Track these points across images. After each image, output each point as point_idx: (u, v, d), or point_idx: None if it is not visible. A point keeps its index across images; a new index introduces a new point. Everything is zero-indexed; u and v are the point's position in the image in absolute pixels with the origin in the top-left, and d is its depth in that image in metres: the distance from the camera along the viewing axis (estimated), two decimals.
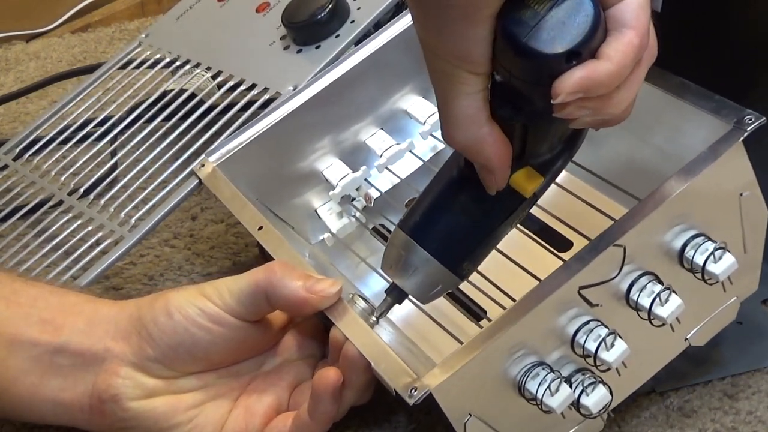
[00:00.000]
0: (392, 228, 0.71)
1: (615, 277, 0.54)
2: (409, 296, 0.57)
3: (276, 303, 0.58)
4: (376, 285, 0.70)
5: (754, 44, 0.63)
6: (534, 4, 0.45)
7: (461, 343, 0.61)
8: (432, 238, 0.54)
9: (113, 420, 0.59)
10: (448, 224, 0.54)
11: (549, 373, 0.53)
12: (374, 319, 0.58)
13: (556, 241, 0.67)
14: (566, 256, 0.64)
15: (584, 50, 0.45)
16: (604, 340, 0.53)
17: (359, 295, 0.60)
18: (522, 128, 0.50)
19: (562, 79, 0.45)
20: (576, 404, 0.54)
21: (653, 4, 0.48)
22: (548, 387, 0.53)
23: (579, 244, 0.66)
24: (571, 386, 0.54)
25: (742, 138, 0.54)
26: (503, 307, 0.61)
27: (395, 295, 0.57)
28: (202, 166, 0.70)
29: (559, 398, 0.53)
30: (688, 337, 0.58)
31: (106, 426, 0.60)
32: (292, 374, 0.61)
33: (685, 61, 0.59)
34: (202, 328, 0.58)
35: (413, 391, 0.51)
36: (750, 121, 0.55)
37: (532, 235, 0.67)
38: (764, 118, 0.55)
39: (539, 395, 0.53)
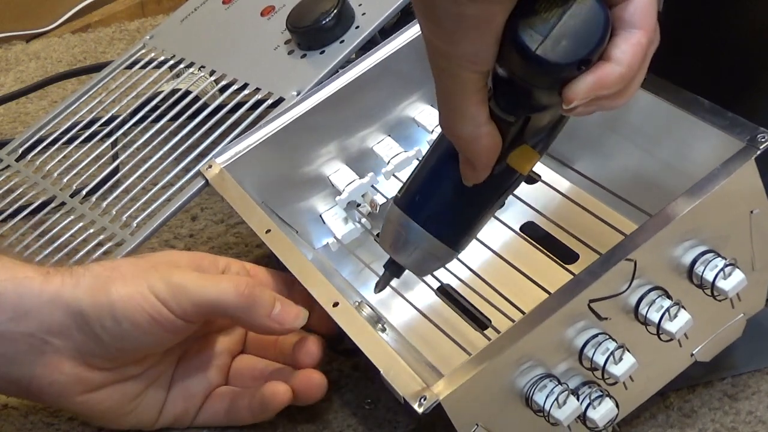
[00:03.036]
0: None
1: (625, 291, 0.54)
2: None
3: (238, 324, 0.60)
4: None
5: (755, 47, 0.63)
6: (544, 12, 0.45)
7: (465, 350, 0.61)
8: (430, 216, 0.55)
9: (59, 408, 0.60)
10: (446, 202, 0.55)
11: (556, 385, 0.53)
12: (376, 291, 0.60)
13: (563, 254, 0.67)
14: (572, 267, 0.64)
15: (594, 57, 0.45)
16: (612, 353, 0.53)
17: (365, 303, 0.60)
18: (523, 118, 0.50)
19: (574, 87, 0.45)
20: (582, 417, 0.54)
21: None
22: (556, 399, 0.52)
23: (584, 255, 0.67)
24: (578, 399, 0.54)
25: (755, 156, 0.55)
26: (508, 316, 0.61)
27: (393, 269, 0.59)
28: (210, 167, 0.70)
29: (566, 411, 0.53)
30: (694, 352, 0.58)
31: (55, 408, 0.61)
32: (224, 345, 0.63)
33: (685, 65, 0.59)
34: (153, 335, 0.57)
35: (422, 400, 0.51)
36: (764, 139, 0.55)
37: (538, 246, 0.67)
38: None
39: (546, 407, 0.53)
